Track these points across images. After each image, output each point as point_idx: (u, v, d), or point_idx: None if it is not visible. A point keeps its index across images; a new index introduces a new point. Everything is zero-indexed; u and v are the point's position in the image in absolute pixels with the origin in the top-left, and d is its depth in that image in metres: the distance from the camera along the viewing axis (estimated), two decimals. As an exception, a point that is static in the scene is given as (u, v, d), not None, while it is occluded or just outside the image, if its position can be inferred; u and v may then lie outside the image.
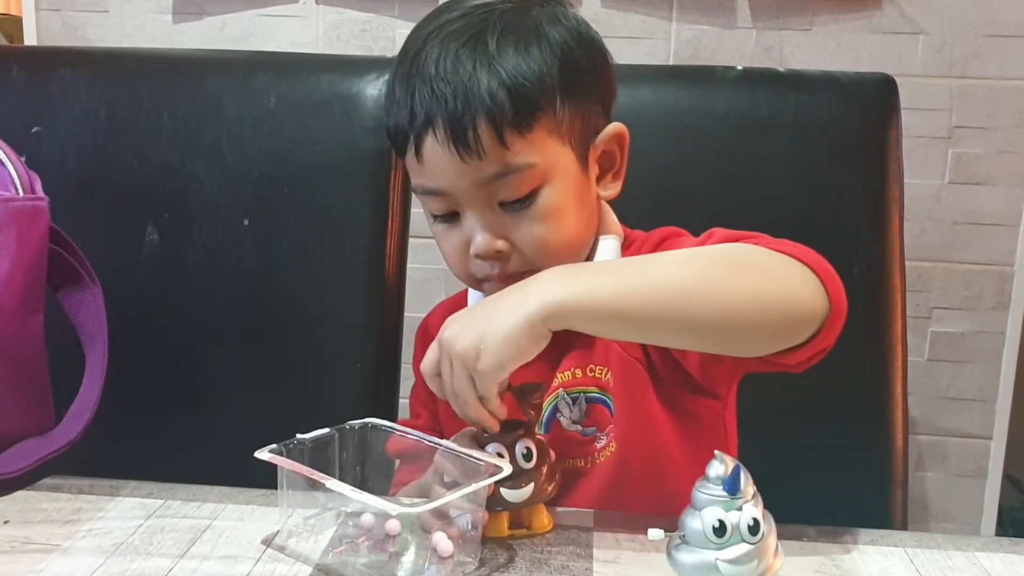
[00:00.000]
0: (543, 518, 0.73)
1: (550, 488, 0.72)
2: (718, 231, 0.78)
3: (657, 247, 0.84)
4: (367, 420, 0.74)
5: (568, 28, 0.80)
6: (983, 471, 1.45)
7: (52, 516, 0.74)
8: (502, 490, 0.69)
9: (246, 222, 1.10)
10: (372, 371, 1.08)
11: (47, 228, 0.85)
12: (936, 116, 1.38)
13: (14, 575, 0.64)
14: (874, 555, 0.70)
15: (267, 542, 0.68)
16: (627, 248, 0.87)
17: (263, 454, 0.67)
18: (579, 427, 0.84)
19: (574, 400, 0.84)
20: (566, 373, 0.84)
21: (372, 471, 0.73)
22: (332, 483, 0.63)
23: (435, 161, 0.77)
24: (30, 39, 1.47)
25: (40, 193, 0.85)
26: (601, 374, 0.84)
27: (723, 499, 0.60)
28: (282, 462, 0.67)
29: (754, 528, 0.60)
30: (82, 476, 0.81)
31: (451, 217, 0.80)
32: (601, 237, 0.86)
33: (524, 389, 0.71)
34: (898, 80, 1.11)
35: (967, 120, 1.37)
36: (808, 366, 0.72)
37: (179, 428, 1.10)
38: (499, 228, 0.78)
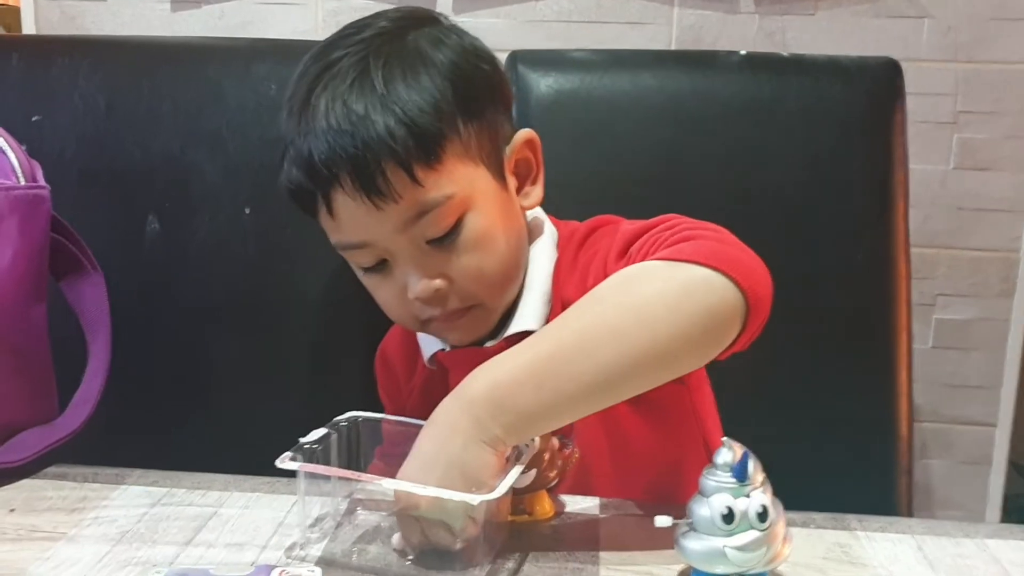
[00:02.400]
0: (545, 504, 0.72)
1: (552, 475, 0.71)
2: (624, 223, 0.77)
3: (587, 238, 0.83)
4: (355, 414, 0.72)
5: (451, 46, 0.77)
6: (988, 458, 1.45)
7: (57, 504, 0.73)
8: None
9: (247, 211, 1.10)
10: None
11: (49, 217, 0.85)
12: (941, 101, 1.37)
13: (20, 563, 0.64)
14: (883, 542, 0.69)
15: (290, 554, 0.66)
16: (562, 244, 0.85)
17: (284, 463, 0.64)
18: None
19: None
20: None
21: (366, 465, 0.72)
22: (388, 482, 0.62)
23: (350, 215, 0.74)
24: (28, 28, 1.47)
25: (41, 182, 0.85)
26: None
27: (732, 486, 0.59)
28: (313, 468, 0.64)
29: (763, 515, 0.59)
30: (86, 465, 0.80)
31: (381, 266, 0.78)
32: (532, 247, 0.84)
33: None
34: (903, 64, 1.10)
35: (973, 105, 1.36)
36: (751, 342, 0.70)
37: (182, 417, 1.10)
38: (433, 267, 0.76)
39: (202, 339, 1.11)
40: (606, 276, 0.70)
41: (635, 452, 0.82)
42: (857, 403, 1.09)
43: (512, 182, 0.81)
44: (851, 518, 0.73)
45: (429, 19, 0.80)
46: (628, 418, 0.81)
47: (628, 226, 0.77)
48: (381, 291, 0.80)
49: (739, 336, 0.67)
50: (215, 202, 1.10)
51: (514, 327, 0.81)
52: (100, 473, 0.79)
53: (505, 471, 0.63)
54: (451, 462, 0.62)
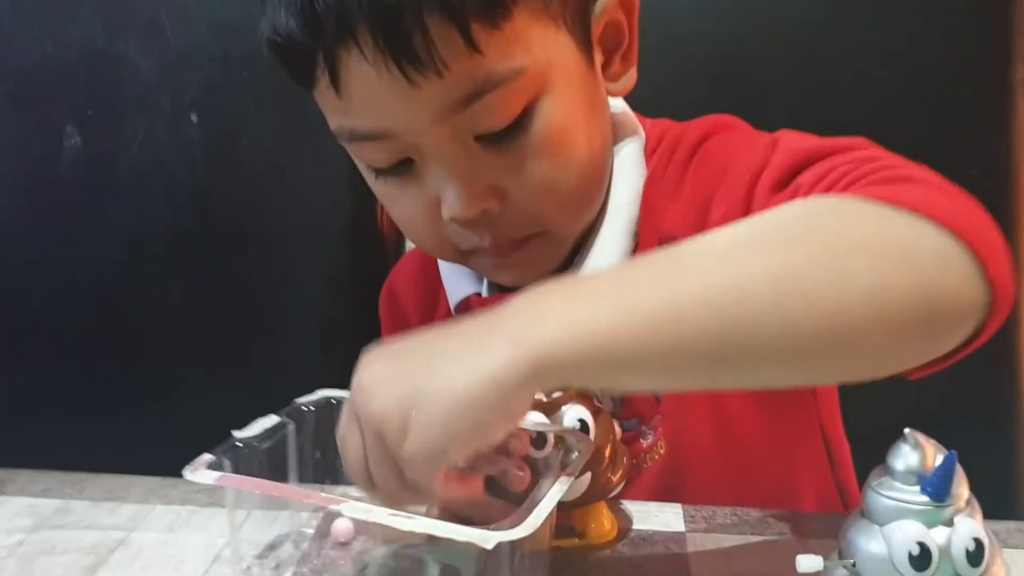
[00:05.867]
0: (603, 522, 0.56)
1: (615, 479, 0.55)
2: (785, 136, 0.60)
3: (697, 148, 0.66)
4: (325, 395, 0.56)
5: None
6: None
7: None
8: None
9: (194, 118, 1.00)
10: (358, 298, 0.95)
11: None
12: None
13: None
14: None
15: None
16: (652, 155, 0.69)
17: (196, 472, 0.44)
18: (616, 419, 0.66)
19: None
20: None
21: (335, 459, 0.53)
22: (349, 508, 0.43)
23: (366, 90, 0.56)
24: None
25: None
26: None
27: (924, 507, 0.42)
28: (240, 482, 0.45)
29: (976, 553, 0.41)
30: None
31: (404, 167, 0.61)
32: (616, 149, 0.68)
33: None
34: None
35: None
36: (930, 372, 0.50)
37: (110, 388, 0.99)
38: (482, 176, 0.59)
39: (136, 283, 1.00)
40: (750, 213, 0.53)
41: (742, 443, 0.67)
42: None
43: (599, 57, 0.65)
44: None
45: None
46: (735, 400, 0.67)
47: (788, 140, 0.59)
48: (401, 205, 0.63)
49: (960, 346, 0.47)
50: (152, 107, 0.99)
51: (586, 266, 0.66)
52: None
53: (541, 486, 0.44)
54: (422, 346, 0.44)
